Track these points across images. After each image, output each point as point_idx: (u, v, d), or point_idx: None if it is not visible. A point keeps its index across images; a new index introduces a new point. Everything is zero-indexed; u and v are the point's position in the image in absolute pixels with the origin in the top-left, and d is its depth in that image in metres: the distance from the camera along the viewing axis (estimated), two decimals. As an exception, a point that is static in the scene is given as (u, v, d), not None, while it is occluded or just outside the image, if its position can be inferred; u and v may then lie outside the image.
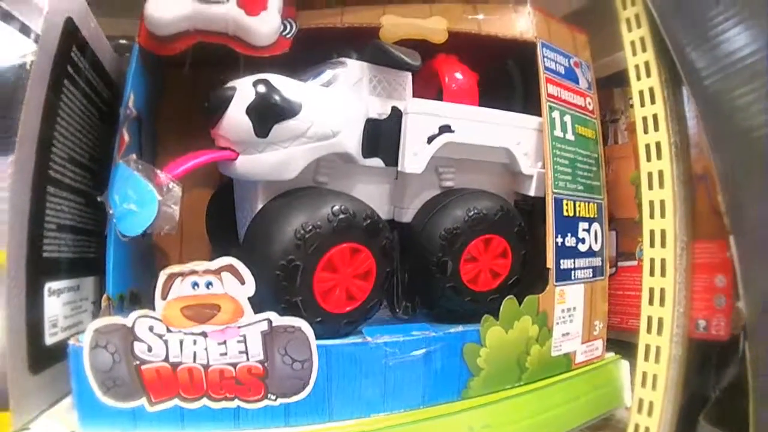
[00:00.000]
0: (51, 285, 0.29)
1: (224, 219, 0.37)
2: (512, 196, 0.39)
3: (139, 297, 0.36)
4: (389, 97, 0.34)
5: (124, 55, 0.49)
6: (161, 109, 0.43)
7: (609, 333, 0.42)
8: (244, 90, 0.29)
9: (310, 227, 0.28)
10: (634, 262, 0.45)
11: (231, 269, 0.27)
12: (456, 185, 0.36)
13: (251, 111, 0.28)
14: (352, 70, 0.33)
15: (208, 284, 0.26)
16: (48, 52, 0.28)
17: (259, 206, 0.31)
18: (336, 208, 0.28)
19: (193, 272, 0.26)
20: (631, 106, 0.45)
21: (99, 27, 0.36)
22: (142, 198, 0.27)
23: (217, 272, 0.27)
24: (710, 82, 0.37)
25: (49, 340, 0.29)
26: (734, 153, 0.36)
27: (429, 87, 0.37)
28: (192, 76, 0.40)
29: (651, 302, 0.40)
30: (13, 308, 0.26)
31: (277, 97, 0.28)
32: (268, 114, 0.28)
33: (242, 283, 0.27)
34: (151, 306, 0.26)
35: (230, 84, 0.30)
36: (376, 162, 0.33)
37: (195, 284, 0.26)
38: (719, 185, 0.37)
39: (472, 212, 0.33)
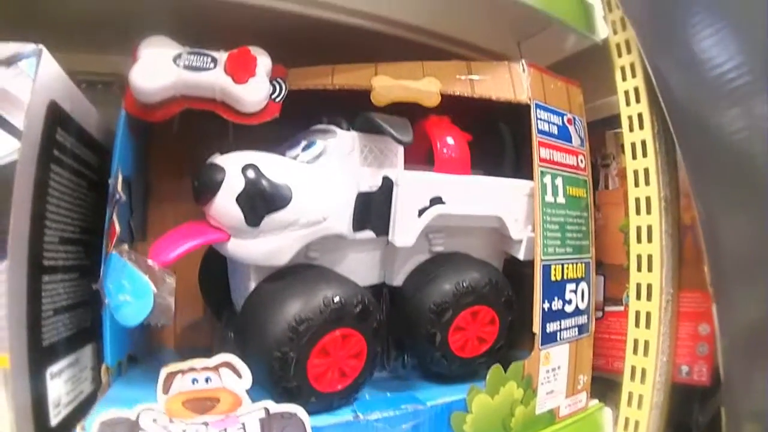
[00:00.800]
0: (52, 369, 0.30)
1: (217, 280, 0.38)
2: (502, 255, 0.40)
3: (136, 358, 0.37)
4: (381, 167, 0.34)
5: (113, 87, 0.49)
6: (151, 165, 0.42)
7: (594, 373, 0.44)
8: (232, 176, 0.29)
9: (303, 320, 0.28)
10: (621, 308, 0.46)
11: (228, 365, 0.27)
12: (446, 249, 0.37)
13: (241, 201, 0.28)
14: (342, 142, 0.33)
15: (207, 379, 0.27)
16: (32, 144, 0.27)
17: (252, 285, 0.32)
18: (327, 298, 0.29)
19: (192, 369, 0.27)
20: (623, 152, 0.45)
21: (79, 93, 0.35)
22: (137, 290, 0.27)
23: (215, 368, 0.27)
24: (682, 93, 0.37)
25: (54, 420, 0.30)
26: (706, 166, 0.37)
27: (420, 147, 0.37)
28: (181, 131, 0.39)
29: (635, 352, 0.41)
30: (19, 401, 0.26)
31: (267, 187, 0.28)
32: (258, 205, 0.28)
33: (239, 377, 0.28)
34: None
35: (218, 162, 0.30)
36: (367, 234, 0.34)
37: (194, 380, 0.27)
38: (694, 202, 0.37)
39: (461, 286, 0.34)
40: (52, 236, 0.30)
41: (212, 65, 0.33)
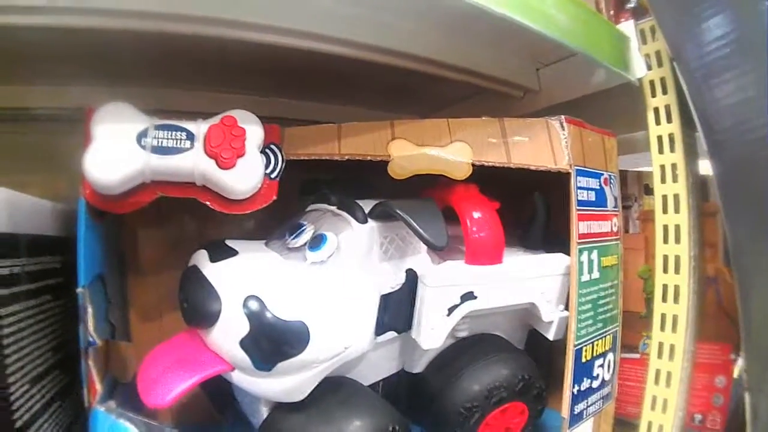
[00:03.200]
0: None
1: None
2: (528, 328, 0.36)
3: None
4: (403, 257, 0.29)
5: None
6: (127, 234, 0.35)
7: None
8: (233, 313, 0.23)
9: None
10: (637, 355, 0.44)
11: None
12: (470, 332, 0.33)
13: (247, 345, 0.23)
14: (360, 237, 0.27)
15: None
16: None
17: (264, 411, 0.27)
18: (353, 439, 0.24)
19: None
20: (646, 193, 0.42)
21: (25, 199, 0.26)
22: None
23: None
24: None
25: None
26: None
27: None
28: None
29: (653, 409, 0.40)
30: None
31: (278, 330, 0.23)
32: (269, 350, 0.23)
33: None
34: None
35: (212, 283, 0.24)
36: (389, 335, 0.29)
37: None
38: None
39: (492, 386, 0.30)
40: (18, 386, 0.23)
41: (188, 144, 0.25)
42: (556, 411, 0.33)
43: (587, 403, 0.35)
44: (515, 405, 0.32)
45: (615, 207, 0.36)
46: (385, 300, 0.27)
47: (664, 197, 0.38)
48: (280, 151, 0.28)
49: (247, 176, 0.26)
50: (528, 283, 0.31)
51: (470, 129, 0.30)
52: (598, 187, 0.34)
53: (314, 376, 0.25)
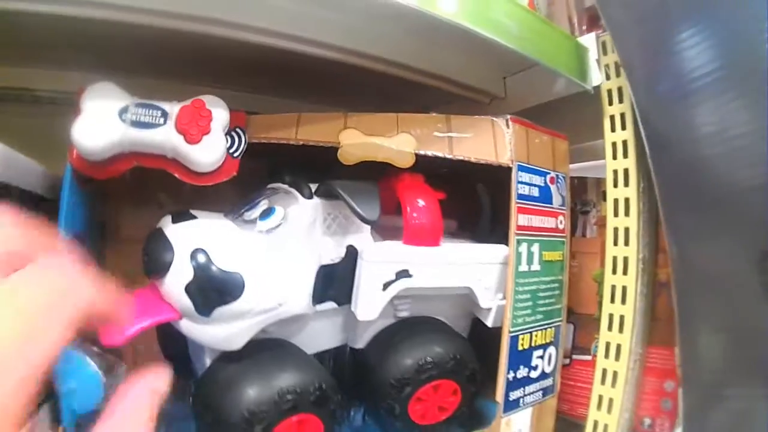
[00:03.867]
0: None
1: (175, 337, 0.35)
2: (470, 316, 0.38)
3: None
4: (345, 234, 0.32)
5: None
6: (108, 203, 0.39)
7: (558, 416, 0.44)
8: (181, 261, 0.26)
9: (257, 411, 0.26)
10: (588, 357, 0.45)
11: None
12: (411, 314, 0.35)
13: (190, 290, 0.26)
14: (304, 211, 0.30)
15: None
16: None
17: (207, 362, 0.30)
18: (282, 389, 0.27)
19: None
20: (604, 199, 0.43)
21: (18, 156, 0.31)
22: (85, 379, 0.26)
23: None
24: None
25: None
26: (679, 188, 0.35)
27: (389, 201, 0.35)
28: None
29: (599, 408, 0.41)
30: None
31: (217, 278, 0.26)
32: (208, 296, 0.26)
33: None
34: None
35: (168, 237, 0.27)
36: (329, 305, 0.32)
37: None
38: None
39: (423, 361, 0.32)
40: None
41: (162, 120, 0.29)
42: (497, 403, 0.35)
43: (524, 391, 0.37)
44: (447, 383, 0.33)
45: (562, 205, 0.38)
46: (325, 271, 0.30)
47: (616, 201, 0.40)
48: (244, 134, 0.32)
49: (210, 151, 0.29)
50: (465, 268, 0.34)
51: (417, 123, 0.33)
52: (542, 185, 0.36)
53: (249, 327, 0.28)
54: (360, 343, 0.35)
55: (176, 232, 0.28)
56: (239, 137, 0.32)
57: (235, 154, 0.31)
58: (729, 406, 0.34)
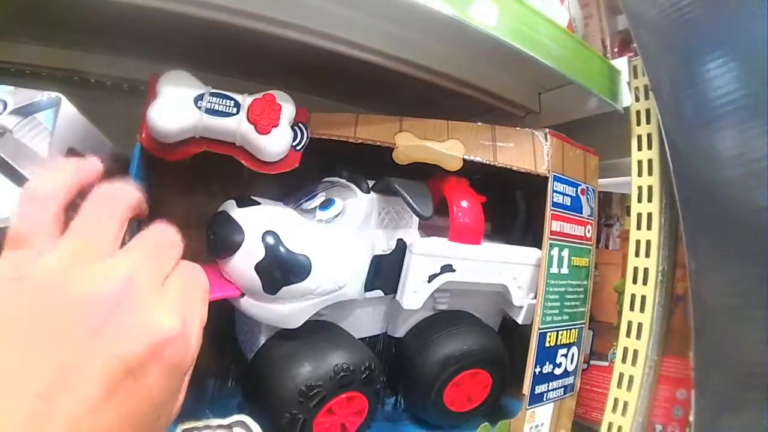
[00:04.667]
0: None
1: (222, 312, 0.38)
2: (501, 313, 0.41)
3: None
4: (396, 228, 0.34)
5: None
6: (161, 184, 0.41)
7: (575, 420, 0.46)
8: (252, 242, 0.29)
9: (313, 386, 0.29)
10: (606, 363, 0.48)
11: (242, 425, 0.28)
12: (449, 307, 0.38)
13: (260, 269, 0.28)
14: (361, 204, 0.33)
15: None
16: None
17: (262, 340, 0.32)
18: (338, 366, 0.30)
19: (208, 427, 0.28)
20: (628, 214, 0.46)
21: (95, 130, 0.33)
22: None
23: (229, 427, 0.28)
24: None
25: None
26: (701, 214, 0.38)
27: (434, 197, 0.37)
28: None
29: (614, 411, 0.44)
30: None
31: (287, 259, 0.28)
32: (277, 276, 0.28)
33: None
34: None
35: (237, 219, 0.30)
36: (377, 293, 0.34)
37: (210, 437, 0.28)
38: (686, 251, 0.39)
39: (459, 352, 0.35)
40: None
41: (235, 110, 0.32)
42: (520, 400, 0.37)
43: (548, 386, 0.39)
44: (481, 373, 0.36)
45: (590, 216, 0.41)
46: (377, 261, 0.33)
47: (639, 215, 0.43)
48: (306, 129, 0.34)
49: (277, 142, 0.32)
50: (501, 267, 0.36)
51: (466, 131, 0.36)
52: (574, 195, 0.39)
53: (309, 307, 0.30)
54: (399, 332, 0.37)
55: (245, 215, 0.30)
56: (302, 132, 0.35)
57: (298, 147, 0.34)
58: (741, 416, 0.37)
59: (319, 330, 0.32)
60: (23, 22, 0.40)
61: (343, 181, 0.34)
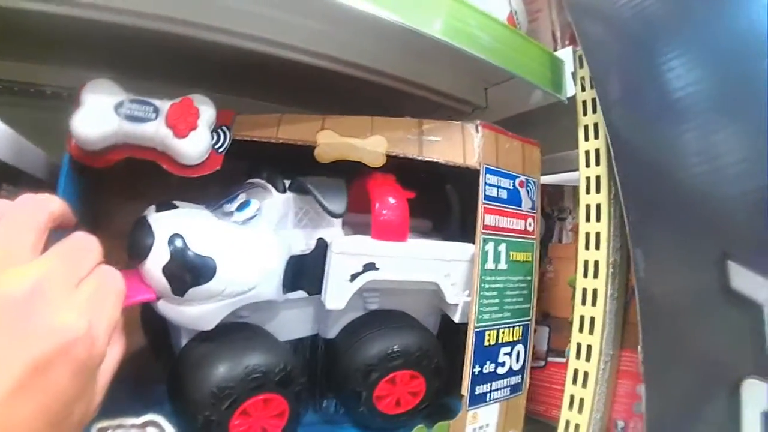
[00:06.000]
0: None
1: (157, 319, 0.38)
2: (440, 312, 0.40)
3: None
4: (316, 228, 0.34)
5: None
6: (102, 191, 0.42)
7: (533, 417, 0.45)
8: (160, 245, 0.29)
9: (224, 387, 0.29)
10: (563, 359, 0.46)
11: (155, 424, 0.28)
12: (381, 307, 0.37)
13: (167, 272, 0.28)
14: (277, 204, 0.32)
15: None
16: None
17: (183, 342, 0.32)
18: (249, 367, 0.29)
19: (122, 426, 0.28)
20: (580, 206, 0.45)
21: (23, 140, 0.34)
22: None
23: (142, 426, 0.28)
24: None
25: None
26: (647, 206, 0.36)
27: (361, 200, 0.37)
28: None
29: (570, 408, 0.42)
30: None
31: (191, 261, 0.28)
32: (183, 278, 0.28)
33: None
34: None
35: (151, 223, 0.30)
36: (299, 294, 0.34)
37: (122, 437, 0.28)
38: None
39: (389, 351, 0.34)
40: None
41: (153, 116, 0.32)
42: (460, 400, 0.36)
43: (490, 387, 0.38)
44: (412, 374, 0.35)
45: (532, 209, 0.40)
46: (296, 261, 0.32)
47: (588, 206, 0.41)
48: (229, 131, 0.34)
49: (195, 145, 0.32)
50: (431, 263, 0.35)
51: (391, 126, 0.36)
52: (511, 188, 0.38)
53: (221, 308, 0.30)
54: (331, 333, 0.37)
55: (158, 219, 0.30)
56: (224, 134, 0.35)
57: (220, 150, 0.34)
58: (700, 414, 0.35)
59: (238, 331, 0.32)
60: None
61: (263, 182, 0.34)
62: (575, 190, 0.47)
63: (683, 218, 0.35)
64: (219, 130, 0.34)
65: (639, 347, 0.37)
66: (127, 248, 0.32)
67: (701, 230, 0.34)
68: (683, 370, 0.35)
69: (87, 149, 0.31)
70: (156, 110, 0.32)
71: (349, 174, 0.35)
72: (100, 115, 0.30)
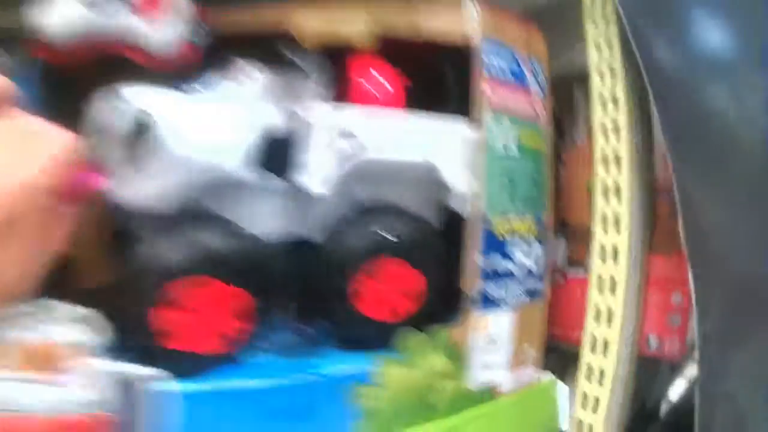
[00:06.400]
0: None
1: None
2: (441, 207, 0.35)
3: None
4: (294, 104, 0.31)
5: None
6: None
7: (552, 343, 0.39)
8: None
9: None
10: (585, 273, 0.41)
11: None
12: (371, 198, 0.32)
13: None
14: (249, 81, 0.30)
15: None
16: None
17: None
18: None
19: None
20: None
21: None
22: None
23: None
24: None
25: None
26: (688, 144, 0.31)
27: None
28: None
29: (597, 320, 0.37)
30: None
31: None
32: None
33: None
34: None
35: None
36: (276, 180, 0.30)
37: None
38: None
39: (380, 237, 0.30)
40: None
41: (121, 3, 0.31)
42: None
43: (506, 290, 0.33)
44: (407, 268, 0.31)
45: (540, 93, 0.36)
46: (269, 138, 0.29)
47: (601, 95, 0.37)
48: (205, 26, 0.33)
49: (165, 33, 0.31)
50: (428, 140, 0.32)
51: (379, 7, 0.33)
52: (516, 66, 0.34)
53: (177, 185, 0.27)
54: (316, 236, 0.33)
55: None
56: (201, 29, 0.33)
57: (198, 42, 0.32)
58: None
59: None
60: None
61: (237, 68, 0.32)
62: (586, 90, 0.43)
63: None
64: (195, 26, 0.33)
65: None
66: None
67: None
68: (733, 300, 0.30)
69: (53, 41, 0.30)
70: (126, 1, 0.31)
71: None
72: (66, 6, 0.30)
